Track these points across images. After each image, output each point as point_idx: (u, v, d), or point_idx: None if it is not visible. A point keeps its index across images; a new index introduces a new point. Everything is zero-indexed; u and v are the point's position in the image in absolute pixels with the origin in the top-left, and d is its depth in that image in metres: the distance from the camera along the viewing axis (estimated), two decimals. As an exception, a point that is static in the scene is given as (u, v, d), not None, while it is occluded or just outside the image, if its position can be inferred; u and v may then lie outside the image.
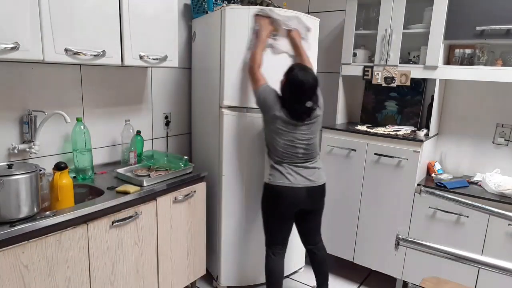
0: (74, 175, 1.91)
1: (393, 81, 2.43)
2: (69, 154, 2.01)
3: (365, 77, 2.54)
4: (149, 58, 1.98)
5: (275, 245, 2.11)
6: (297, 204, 2.02)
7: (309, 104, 1.90)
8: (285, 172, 1.97)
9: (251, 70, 2.03)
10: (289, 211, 2.04)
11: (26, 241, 1.39)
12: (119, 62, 1.85)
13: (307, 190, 1.99)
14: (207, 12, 2.35)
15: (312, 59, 2.45)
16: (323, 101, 2.05)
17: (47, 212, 1.48)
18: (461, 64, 2.28)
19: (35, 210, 1.47)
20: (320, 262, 2.23)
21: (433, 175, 2.41)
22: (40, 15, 1.50)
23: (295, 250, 2.62)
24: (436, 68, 2.26)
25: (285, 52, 2.16)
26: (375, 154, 2.38)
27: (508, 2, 2.01)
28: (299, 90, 1.88)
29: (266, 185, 2.03)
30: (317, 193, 2.06)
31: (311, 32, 2.24)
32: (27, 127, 1.79)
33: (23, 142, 1.81)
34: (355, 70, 2.58)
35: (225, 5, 2.20)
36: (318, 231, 2.21)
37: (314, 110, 1.96)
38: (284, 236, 2.12)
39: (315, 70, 2.49)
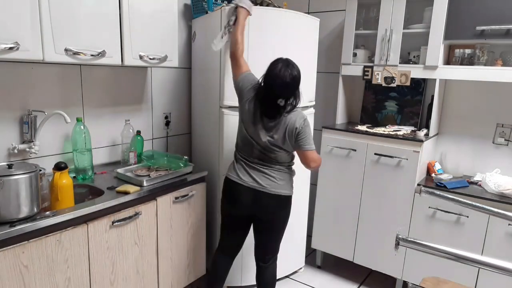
0: (74, 175, 1.91)
1: (393, 81, 2.43)
2: (69, 154, 2.01)
3: (365, 77, 2.54)
4: (149, 58, 1.98)
5: (221, 243, 2.04)
6: (241, 204, 1.85)
7: (280, 102, 1.71)
8: (236, 166, 1.87)
9: (233, 55, 1.92)
10: (234, 210, 1.91)
11: (26, 241, 1.39)
12: (119, 62, 1.85)
13: (254, 193, 1.81)
14: (207, 12, 2.35)
15: (312, 60, 2.46)
16: (302, 122, 1.75)
17: (47, 212, 1.48)
18: (461, 64, 2.28)
19: (35, 210, 1.47)
20: (263, 284, 2.03)
21: (433, 175, 2.41)
22: (40, 15, 1.50)
23: (295, 250, 2.62)
24: (436, 68, 2.26)
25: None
26: (375, 154, 2.38)
27: (508, 2, 2.01)
28: (273, 83, 1.71)
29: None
30: (266, 201, 1.82)
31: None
32: (27, 127, 1.79)
33: (23, 142, 1.81)
34: (355, 70, 2.58)
35: (225, 5, 2.20)
36: (268, 249, 1.97)
37: (284, 115, 1.75)
38: (231, 240, 2.01)
39: (315, 70, 2.51)
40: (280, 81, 1.69)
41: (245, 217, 1.93)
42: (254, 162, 1.84)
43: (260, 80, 1.80)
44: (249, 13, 2.00)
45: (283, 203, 1.87)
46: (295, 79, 1.73)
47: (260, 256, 2.01)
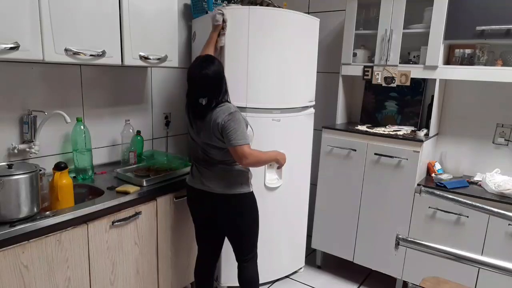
0: (74, 175, 1.91)
1: (393, 81, 2.43)
2: (69, 154, 2.01)
3: (365, 77, 2.54)
4: (149, 58, 1.98)
5: (198, 251, 2.05)
6: (197, 207, 1.90)
7: (201, 101, 1.68)
8: (191, 170, 1.90)
9: None
10: (194, 214, 1.95)
11: (26, 241, 1.39)
12: (119, 62, 1.85)
13: (203, 195, 1.81)
14: (207, 12, 2.35)
15: (312, 60, 2.45)
16: (226, 116, 1.66)
17: (47, 212, 1.48)
18: (461, 64, 2.28)
19: (35, 210, 1.47)
20: (244, 284, 1.96)
21: (433, 175, 2.41)
22: (40, 15, 1.50)
23: (295, 250, 2.62)
24: (436, 68, 2.26)
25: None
26: (375, 154, 2.38)
27: (508, 2, 2.01)
28: (189, 83, 1.71)
29: None
30: (214, 202, 1.81)
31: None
32: (27, 127, 1.79)
33: (23, 142, 1.81)
34: (355, 70, 2.58)
35: (225, 5, 2.20)
36: (241, 249, 1.93)
37: (207, 112, 1.70)
38: (203, 245, 2.01)
39: (314, 70, 2.50)
40: (192, 80, 1.68)
41: (206, 220, 1.93)
42: (200, 164, 1.83)
43: None
44: (216, 27, 2.02)
45: (232, 203, 1.80)
46: (206, 77, 1.65)
47: (236, 256, 1.96)
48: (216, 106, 1.70)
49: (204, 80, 1.66)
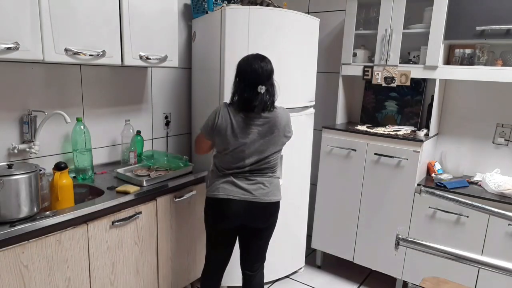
0: (74, 175, 1.91)
1: (393, 81, 2.43)
2: (69, 154, 2.01)
3: (365, 77, 2.54)
4: (149, 58, 1.98)
5: (208, 265, 1.96)
6: (231, 218, 1.77)
7: (260, 89, 1.69)
8: (223, 184, 1.77)
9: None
10: (222, 225, 1.82)
11: (26, 241, 1.39)
12: (119, 62, 1.85)
13: (244, 205, 1.74)
14: (207, 12, 2.35)
15: (312, 60, 2.45)
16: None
17: (47, 212, 1.48)
18: (461, 64, 2.28)
19: (35, 210, 1.47)
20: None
21: (433, 175, 2.41)
22: (40, 15, 1.50)
23: (295, 250, 2.62)
24: (436, 68, 2.26)
25: None
26: (375, 154, 2.38)
27: (508, 2, 2.01)
28: (249, 76, 1.70)
29: None
30: (259, 210, 1.77)
31: None
32: (27, 127, 1.79)
33: (23, 142, 1.81)
34: (355, 70, 2.58)
35: (225, 5, 2.20)
36: (258, 257, 1.93)
37: (267, 105, 1.71)
38: (219, 256, 1.93)
39: (314, 70, 2.51)
40: (255, 72, 1.68)
41: (235, 229, 1.84)
42: (245, 173, 1.74)
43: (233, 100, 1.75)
44: None
45: (274, 209, 1.81)
46: (270, 71, 1.71)
47: (247, 265, 1.92)
48: (273, 104, 1.73)
49: (267, 72, 1.68)
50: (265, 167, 1.75)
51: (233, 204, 1.72)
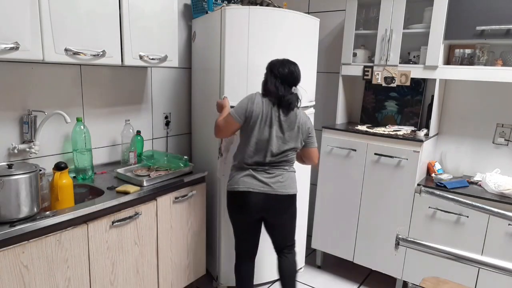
0: (74, 175, 1.91)
1: (393, 81, 2.43)
2: (69, 154, 2.01)
3: (365, 77, 2.54)
4: (149, 58, 1.98)
5: (239, 251, 2.08)
6: (253, 210, 1.88)
7: (295, 89, 1.89)
8: (243, 178, 1.89)
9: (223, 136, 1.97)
10: (245, 216, 1.94)
11: (26, 241, 1.39)
12: (119, 62, 1.85)
13: (264, 197, 1.85)
14: (207, 12, 2.35)
15: (312, 60, 2.46)
16: (310, 121, 1.96)
17: (47, 212, 1.48)
18: (461, 64, 2.28)
19: (35, 210, 1.47)
20: (286, 273, 2.03)
21: (433, 175, 2.41)
22: (40, 15, 1.50)
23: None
24: (436, 68, 2.26)
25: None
26: (375, 154, 2.38)
27: (508, 2, 2.01)
28: (284, 76, 1.86)
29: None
30: (277, 203, 1.89)
31: None
32: (27, 127, 1.79)
33: (23, 142, 1.81)
34: (355, 70, 2.58)
35: (225, 5, 2.20)
36: (287, 239, 2.04)
37: (294, 105, 1.88)
38: (248, 244, 2.06)
39: (315, 70, 2.51)
40: (291, 73, 1.85)
41: (257, 219, 1.95)
42: (264, 166, 1.86)
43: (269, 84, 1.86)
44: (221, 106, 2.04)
45: (291, 201, 1.92)
46: (299, 74, 1.88)
47: (280, 247, 2.04)
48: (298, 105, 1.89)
49: (299, 75, 1.87)
50: (283, 160, 1.87)
51: (252, 197, 1.83)
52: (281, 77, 1.83)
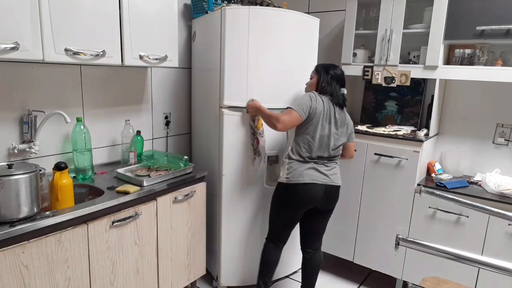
0: (74, 175, 1.91)
1: (393, 81, 2.43)
2: (69, 154, 2.01)
3: (365, 77, 2.54)
4: (149, 58, 1.98)
5: (277, 238, 2.17)
6: (312, 201, 2.03)
7: (343, 90, 2.09)
8: (307, 171, 2.02)
9: (280, 128, 2.00)
10: (302, 207, 2.07)
11: (26, 241, 1.39)
12: (119, 62, 1.85)
13: (325, 188, 2.01)
14: (207, 12, 2.35)
15: (312, 60, 2.45)
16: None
17: (47, 212, 1.48)
18: (461, 64, 2.28)
19: (35, 210, 1.47)
20: (313, 268, 2.23)
21: (433, 175, 2.41)
22: (40, 15, 1.50)
23: (295, 250, 2.62)
24: (436, 68, 2.26)
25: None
26: (375, 154, 2.38)
27: (508, 2, 2.01)
28: (337, 78, 2.06)
29: None
30: (333, 193, 2.08)
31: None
32: (27, 127, 1.79)
33: (23, 142, 1.81)
34: (355, 70, 2.58)
35: (225, 5, 2.20)
36: (321, 234, 2.23)
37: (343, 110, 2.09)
38: (288, 234, 2.19)
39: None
40: (342, 76, 2.07)
41: (305, 212, 2.09)
42: (323, 160, 2.01)
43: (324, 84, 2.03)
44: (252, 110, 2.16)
45: (338, 193, 2.10)
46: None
47: (310, 244, 2.20)
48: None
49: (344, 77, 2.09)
50: (336, 154, 2.05)
51: (317, 188, 1.98)
52: (336, 77, 2.03)
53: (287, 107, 1.98)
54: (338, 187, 2.06)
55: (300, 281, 2.29)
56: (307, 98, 1.97)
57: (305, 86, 2.15)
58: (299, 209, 2.05)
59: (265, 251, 2.18)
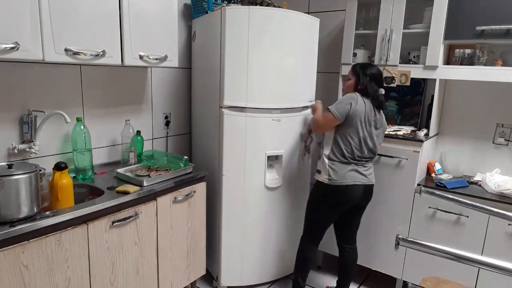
0: (74, 175, 1.91)
1: (393, 81, 2.43)
2: (69, 154, 2.01)
3: (365, 77, 2.53)
4: (149, 58, 1.98)
5: (315, 237, 2.24)
6: (353, 200, 2.08)
7: (381, 91, 2.08)
8: (350, 172, 2.06)
9: (320, 130, 2.16)
10: (342, 207, 2.13)
11: (26, 241, 1.39)
12: (119, 62, 1.85)
13: (364, 187, 2.07)
14: (207, 12, 2.35)
15: (312, 60, 2.46)
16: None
17: (47, 212, 1.48)
18: (461, 64, 2.28)
19: (35, 210, 1.47)
20: (350, 264, 2.30)
21: (433, 175, 2.41)
22: (40, 15, 1.50)
23: (295, 250, 2.61)
24: (436, 68, 2.26)
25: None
26: (375, 154, 2.38)
27: (508, 2, 2.01)
28: (376, 79, 2.06)
29: None
30: (371, 191, 2.15)
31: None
32: (27, 127, 1.79)
33: (23, 142, 1.81)
34: (355, 70, 2.57)
35: (225, 5, 2.20)
36: (357, 229, 2.29)
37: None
38: (324, 232, 2.26)
39: (315, 70, 2.51)
40: (381, 76, 2.08)
41: (344, 210, 2.14)
42: (363, 161, 2.05)
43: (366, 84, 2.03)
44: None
45: (373, 190, 2.16)
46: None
47: (347, 240, 2.28)
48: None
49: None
50: (373, 156, 2.09)
51: (358, 188, 2.04)
52: (374, 78, 2.03)
53: (327, 108, 2.04)
54: (373, 185, 2.13)
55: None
56: (348, 100, 1.98)
57: (342, 87, 2.18)
58: (340, 209, 2.11)
59: (304, 250, 2.25)
